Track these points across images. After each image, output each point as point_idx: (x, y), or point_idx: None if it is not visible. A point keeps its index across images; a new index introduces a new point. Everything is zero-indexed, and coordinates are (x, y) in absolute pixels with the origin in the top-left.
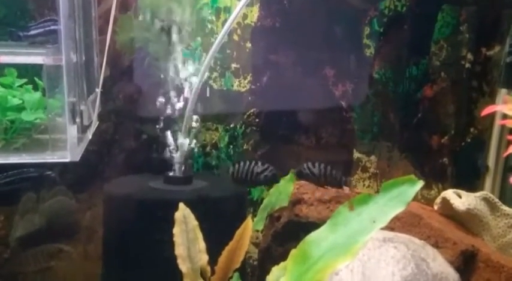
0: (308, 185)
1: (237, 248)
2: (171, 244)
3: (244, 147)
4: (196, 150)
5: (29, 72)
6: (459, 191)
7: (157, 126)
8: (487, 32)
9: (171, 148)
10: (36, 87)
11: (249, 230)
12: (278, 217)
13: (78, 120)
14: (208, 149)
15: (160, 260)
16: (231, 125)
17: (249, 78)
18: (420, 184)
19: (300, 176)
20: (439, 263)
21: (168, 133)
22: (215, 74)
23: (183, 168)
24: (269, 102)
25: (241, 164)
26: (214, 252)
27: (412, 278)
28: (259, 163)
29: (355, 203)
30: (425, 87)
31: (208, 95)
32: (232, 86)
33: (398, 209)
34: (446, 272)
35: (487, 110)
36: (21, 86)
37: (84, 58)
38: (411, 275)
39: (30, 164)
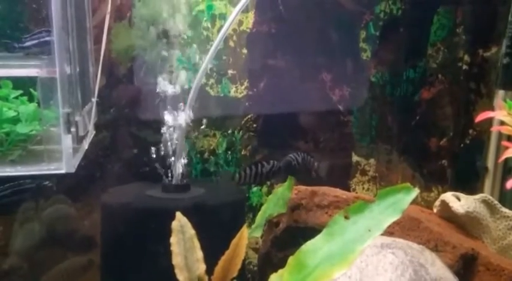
0: (306, 191)
1: (233, 257)
2: (169, 253)
3: (242, 153)
4: (194, 157)
5: (26, 83)
6: (458, 193)
7: (161, 133)
8: (484, 33)
9: (169, 155)
10: (31, 99)
11: (245, 239)
12: (277, 222)
13: (73, 130)
14: (206, 155)
15: (158, 269)
16: (229, 131)
17: (245, 84)
18: (415, 192)
19: (288, 166)
20: (437, 268)
21: (166, 141)
22: (212, 81)
23: (180, 175)
24: (266, 108)
25: (247, 170)
26: (213, 260)
27: None
28: (264, 163)
29: (350, 211)
30: (422, 89)
31: (204, 102)
32: (229, 92)
33: (393, 218)
34: (445, 277)
35: (481, 116)
36: (16, 97)
37: (78, 69)
38: None
39: (26, 175)
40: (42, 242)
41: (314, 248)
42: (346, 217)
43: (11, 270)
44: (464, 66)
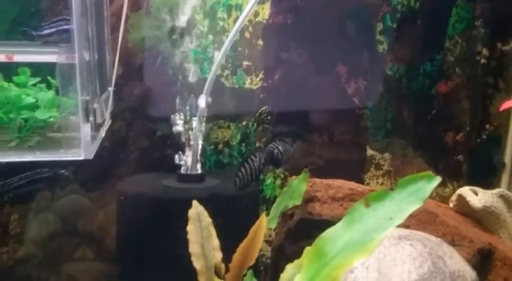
0: (321, 183)
1: (251, 245)
2: (185, 242)
3: (257, 145)
4: (208, 148)
5: (42, 71)
6: (475, 188)
7: (173, 126)
8: (503, 26)
9: (184, 146)
10: (49, 86)
11: (263, 228)
12: (291, 214)
13: (91, 118)
14: (220, 147)
15: (175, 257)
16: (243, 123)
17: (260, 75)
18: (437, 180)
19: (271, 156)
20: (456, 261)
21: (181, 131)
22: (227, 72)
23: (196, 166)
24: (281, 100)
25: (243, 170)
26: (227, 250)
27: (429, 276)
28: (252, 157)
29: (371, 199)
30: (439, 83)
31: (219, 93)
32: (244, 83)
33: (415, 206)
34: (463, 270)
35: (505, 105)
36: (34, 84)
37: (96, 57)
38: (428, 273)
39: (43, 163)
40: (57, 232)
41: (334, 236)
42: (367, 205)
43: (26, 258)
44: (482, 60)
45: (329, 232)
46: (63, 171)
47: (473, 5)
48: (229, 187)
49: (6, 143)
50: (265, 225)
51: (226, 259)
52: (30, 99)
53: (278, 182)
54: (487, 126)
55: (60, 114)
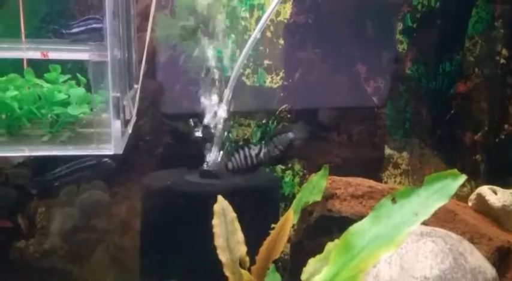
0: (341, 181)
1: (278, 239)
2: (208, 236)
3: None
4: (229, 145)
5: (71, 69)
6: (494, 187)
7: (198, 122)
8: None
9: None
10: (78, 83)
11: (290, 222)
12: (310, 211)
13: (121, 114)
14: (240, 144)
15: (200, 251)
16: (263, 121)
17: (281, 74)
18: (463, 178)
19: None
20: (476, 258)
21: (203, 128)
22: (248, 71)
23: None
24: (301, 99)
25: (236, 155)
26: (247, 244)
27: (450, 271)
28: (251, 146)
29: (397, 196)
30: (458, 83)
31: (240, 91)
32: (265, 82)
33: (441, 203)
34: (484, 267)
35: None
36: (65, 81)
37: (126, 55)
38: (449, 269)
39: (73, 157)
40: (81, 226)
41: (362, 230)
42: (394, 201)
43: (51, 250)
44: (502, 60)
45: (356, 226)
46: (106, 159)
47: (493, 5)
48: (249, 183)
49: (39, 137)
50: (291, 219)
51: (250, 253)
52: (62, 96)
53: (297, 179)
54: (506, 126)
55: (90, 110)
